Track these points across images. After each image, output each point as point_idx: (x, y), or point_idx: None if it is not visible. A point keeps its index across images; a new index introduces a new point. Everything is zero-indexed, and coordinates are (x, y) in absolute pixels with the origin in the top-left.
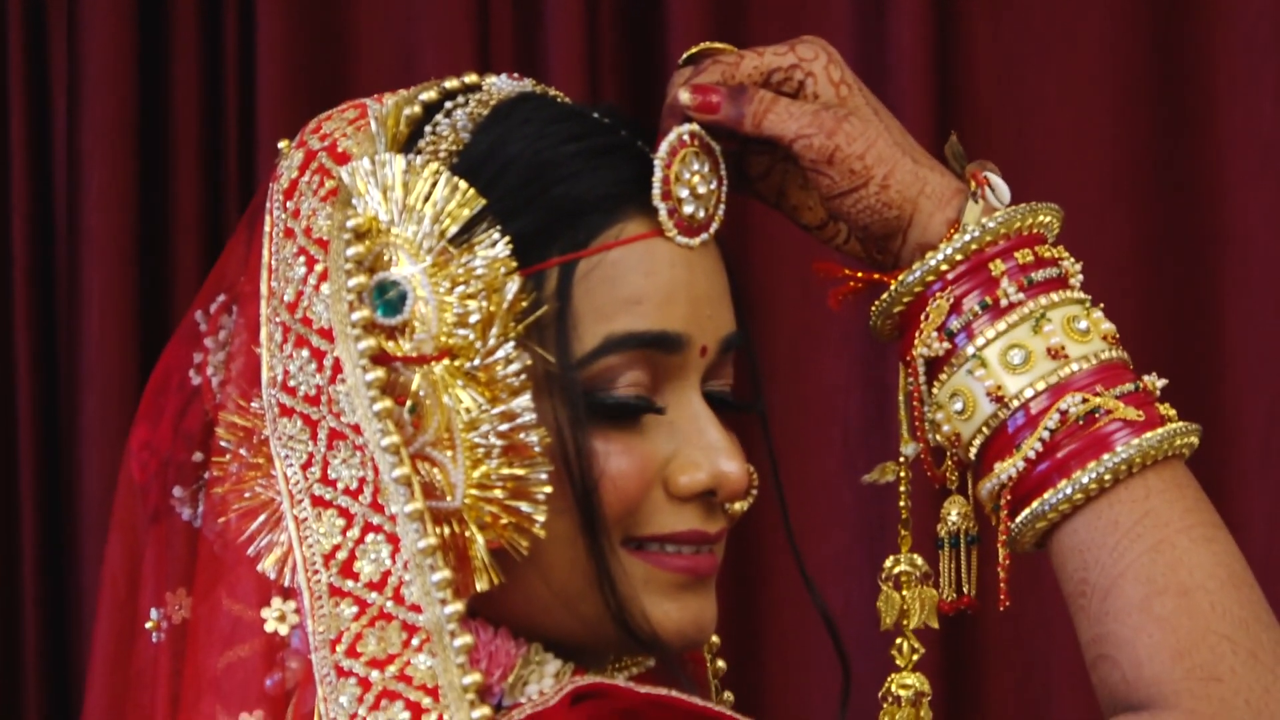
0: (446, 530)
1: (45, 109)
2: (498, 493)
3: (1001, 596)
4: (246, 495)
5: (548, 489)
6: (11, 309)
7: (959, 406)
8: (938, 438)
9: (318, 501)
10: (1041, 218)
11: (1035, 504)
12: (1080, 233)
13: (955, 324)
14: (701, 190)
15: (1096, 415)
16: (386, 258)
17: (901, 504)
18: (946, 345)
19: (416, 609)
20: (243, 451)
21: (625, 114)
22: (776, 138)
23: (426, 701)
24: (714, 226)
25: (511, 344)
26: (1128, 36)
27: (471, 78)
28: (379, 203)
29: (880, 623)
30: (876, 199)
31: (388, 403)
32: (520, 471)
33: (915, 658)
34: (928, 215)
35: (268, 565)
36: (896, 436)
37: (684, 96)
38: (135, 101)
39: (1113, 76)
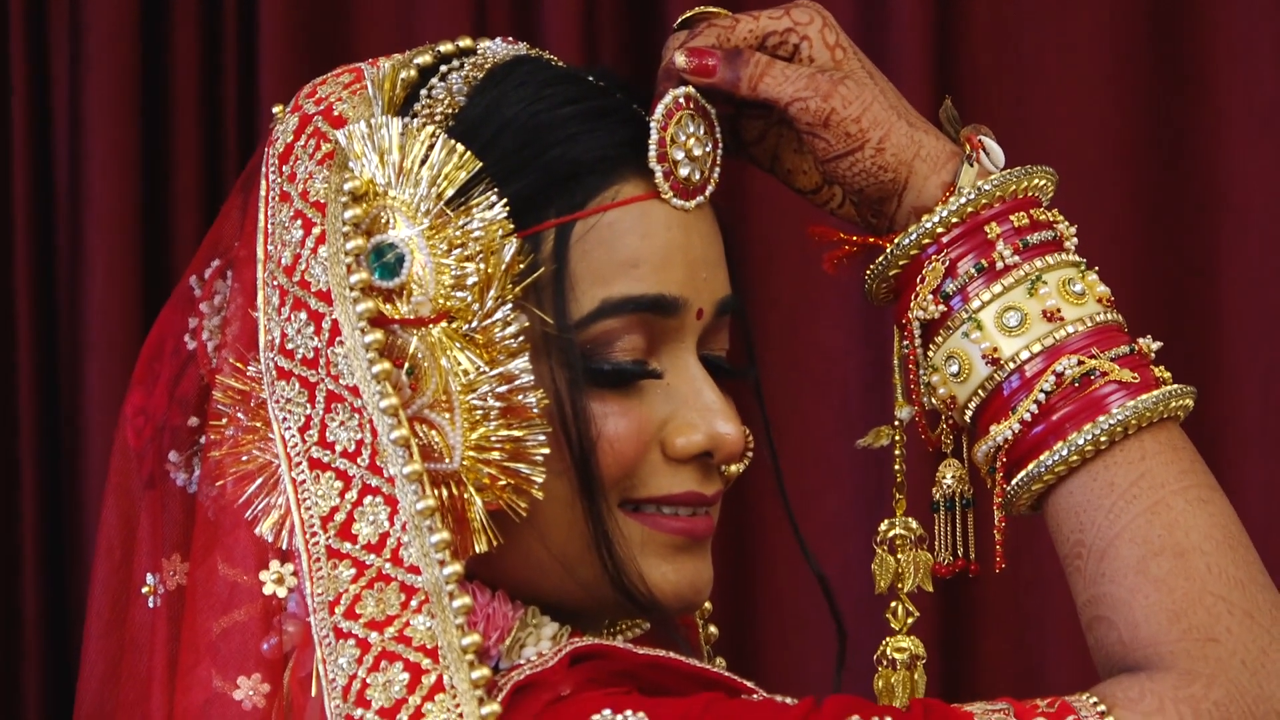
0: (445, 492)
1: (46, 77)
2: (496, 454)
3: (997, 559)
4: (243, 459)
5: (545, 450)
6: (13, 275)
7: (954, 369)
8: (933, 401)
9: (315, 464)
10: (1036, 181)
11: (1031, 466)
12: (1077, 196)
13: (951, 287)
14: (697, 153)
15: (1092, 377)
16: (384, 220)
17: (896, 467)
18: (942, 308)
19: (415, 570)
20: (239, 415)
21: (620, 77)
22: (772, 101)
23: (426, 662)
24: (710, 189)
25: (509, 306)
26: (1125, 2)
27: (466, 41)
28: (376, 166)
29: (875, 586)
30: (872, 162)
31: (386, 365)
32: (518, 433)
33: (910, 621)
34: (923, 178)
35: (265, 528)
36: (892, 400)
37: (680, 60)
38: (136, 68)
39: (1110, 41)
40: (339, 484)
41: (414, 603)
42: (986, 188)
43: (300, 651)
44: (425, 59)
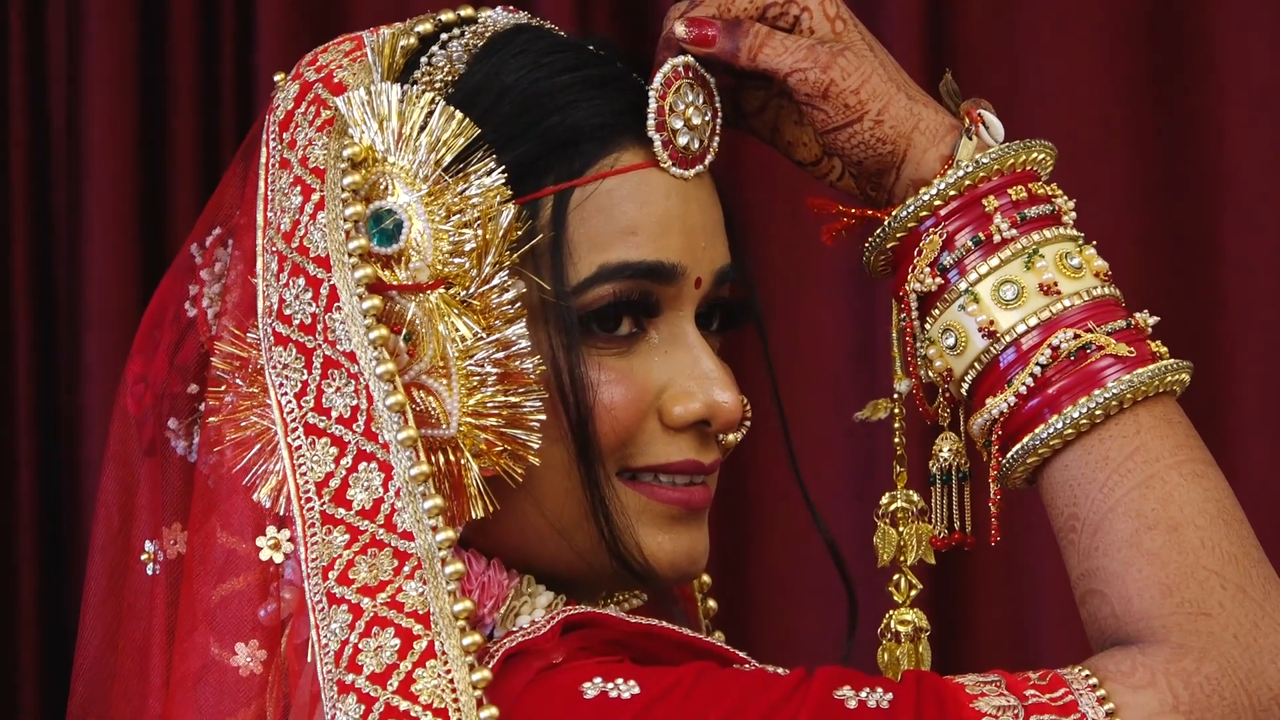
0: (441, 458)
1: (43, 47)
2: (492, 420)
3: (993, 532)
4: (241, 424)
5: (542, 416)
6: (11, 245)
7: (951, 342)
8: (930, 373)
9: (311, 430)
10: (1035, 154)
11: (1026, 439)
12: (1075, 171)
13: (948, 259)
14: (696, 122)
15: (1088, 351)
16: (383, 186)
17: (896, 440)
18: (939, 281)
19: (408, 536)
20: (238, 381)
21: (620, 46)
22: (771, 72)
23: (417, 628)
24: (708, 158)
25: (506, 272)
26: None
27: (466, 11)
28: (375, 132)
29: (877, 559)
30: (871, 134)
31: (383, 331)
32: (515, 399)
33: (913, 593)
34: (921, 151)
35: (263, 494)
36: (885, 373)
37: (679, 29)
38: (135, 37)
39: (1108, 14)
40: (334, 450)
41: (406, 569)
42: (985, 161)
43: (296, 618)
44: (426, 27)
